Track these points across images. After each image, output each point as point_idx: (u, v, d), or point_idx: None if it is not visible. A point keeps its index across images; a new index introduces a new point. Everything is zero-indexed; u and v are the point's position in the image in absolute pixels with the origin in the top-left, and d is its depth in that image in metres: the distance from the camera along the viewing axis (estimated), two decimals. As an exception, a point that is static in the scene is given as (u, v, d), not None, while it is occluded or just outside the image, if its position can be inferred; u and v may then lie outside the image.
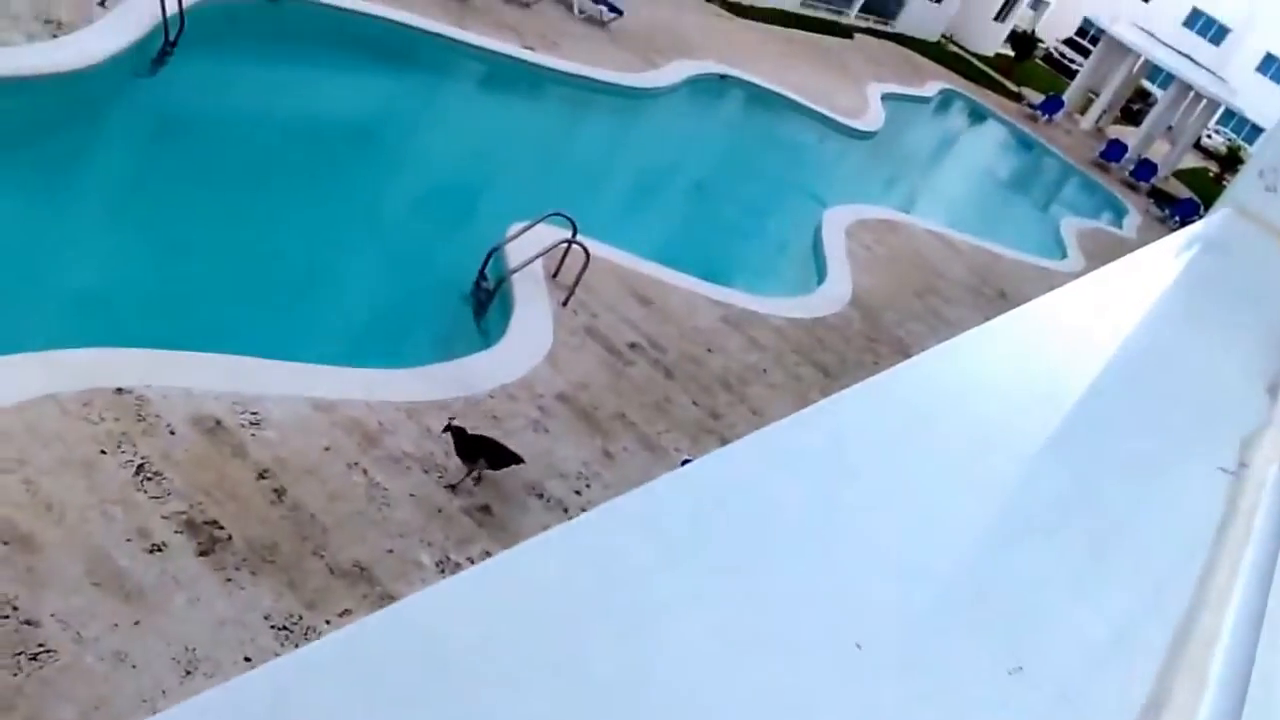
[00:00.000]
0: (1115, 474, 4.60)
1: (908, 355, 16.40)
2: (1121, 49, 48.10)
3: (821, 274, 18.18)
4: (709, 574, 2.84)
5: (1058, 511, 4.00)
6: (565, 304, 12.38)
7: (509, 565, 2.66)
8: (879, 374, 4.39)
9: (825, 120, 28.05)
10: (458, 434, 8.93)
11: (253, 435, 8.35)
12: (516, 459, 9.18)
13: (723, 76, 26.33)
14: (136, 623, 6.51)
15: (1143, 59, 48.81)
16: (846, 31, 40.44)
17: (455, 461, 8.99)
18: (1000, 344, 5.21)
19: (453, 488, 8.87)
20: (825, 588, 3.02)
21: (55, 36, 12.42)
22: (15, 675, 5.91)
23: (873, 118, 30.54)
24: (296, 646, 6.80)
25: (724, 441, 11.57)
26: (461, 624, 2.41)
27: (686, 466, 3.43)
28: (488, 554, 8.41)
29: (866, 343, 16.21)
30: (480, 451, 8.98)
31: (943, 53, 47.89)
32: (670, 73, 24.24)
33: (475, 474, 9.04)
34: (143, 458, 7.65)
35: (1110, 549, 3.93)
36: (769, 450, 3.49)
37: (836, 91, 30.60)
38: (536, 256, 12.33)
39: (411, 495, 8.60)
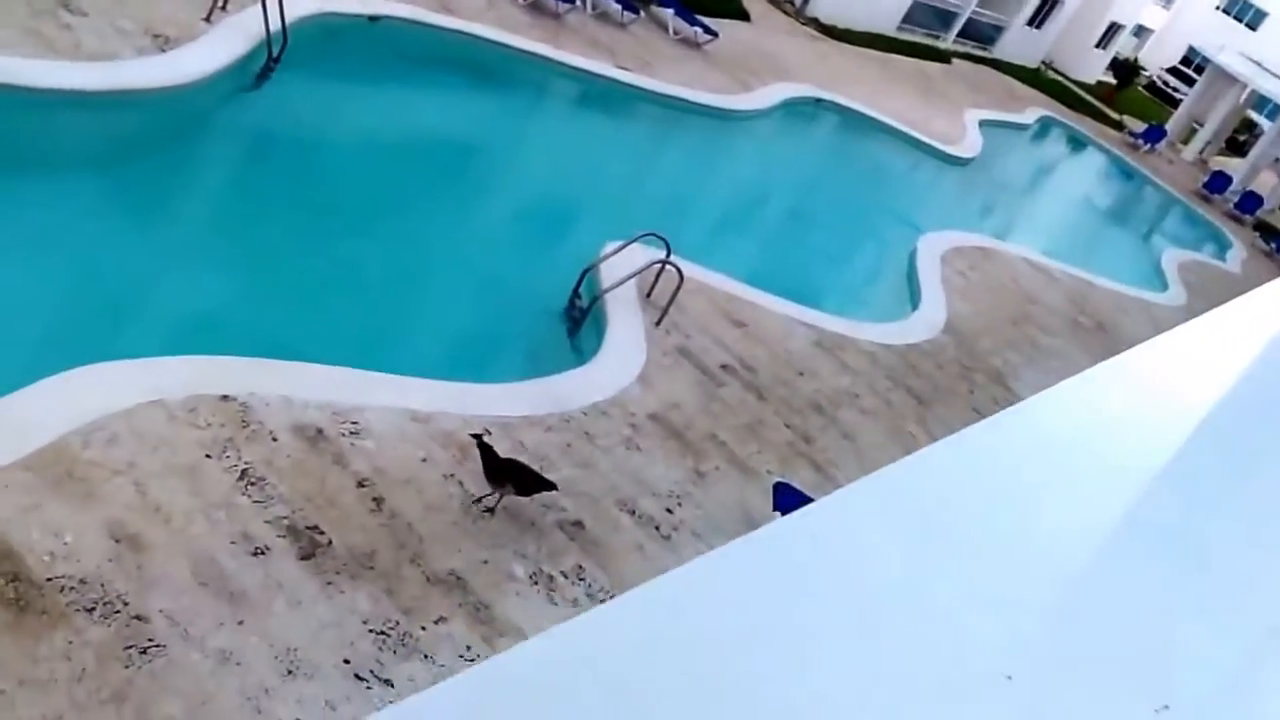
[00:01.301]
0: (1240, 509, 4.56)
1: (1003, 384, 16.41)
2: (1227, 78, 47.35)
3: (915, 300, 18.11)
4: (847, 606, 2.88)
5: (1184, 551, 3.98)
6: (658, 324, 12.48)
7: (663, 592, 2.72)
8: (994, 416, 4.39)
9: (921, 146, 27.93)
10: (486, 453, 8.62)
11: (352, 444, 8.54)
12: (548, 485, 8.91)
13: (818, 100, 26.33)
14: (240, 623, 6.69)
15: (1250, 89, 47.96)
16: (944, 56, 40.22)
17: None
18: (1128, 379, 5.17)
19: (477, 501, 8.65)
20: (966, 620, 3.03)
21: (163, 51, 12.77)
22: (126, 668, 6.11)
23: (970, 144, 30.35)
24: (394, 653, 6.97)
25: (815, 465, 11.63)
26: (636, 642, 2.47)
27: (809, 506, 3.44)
28: (580, 568, 8.53)
29: (961, 370, 16.14)
30: (508, 475, 8.67)
31: (1042, 79, 47.42)
32: (765, 95, 24.29)
33: (499, 498, 8.70)
34: (246, 463, 7.86)
35: (1240, 583, 3.90)
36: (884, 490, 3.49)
37: (933, 117, 30.47)
38: (630, 276, 12.45)
39: (505, 508, 8.72)
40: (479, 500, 8.63)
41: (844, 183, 24.80)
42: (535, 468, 9.30)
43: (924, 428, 13.79)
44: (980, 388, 15.90)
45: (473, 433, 8.71)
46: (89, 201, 10.88)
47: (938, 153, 28.28)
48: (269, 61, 14.14)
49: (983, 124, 33.11)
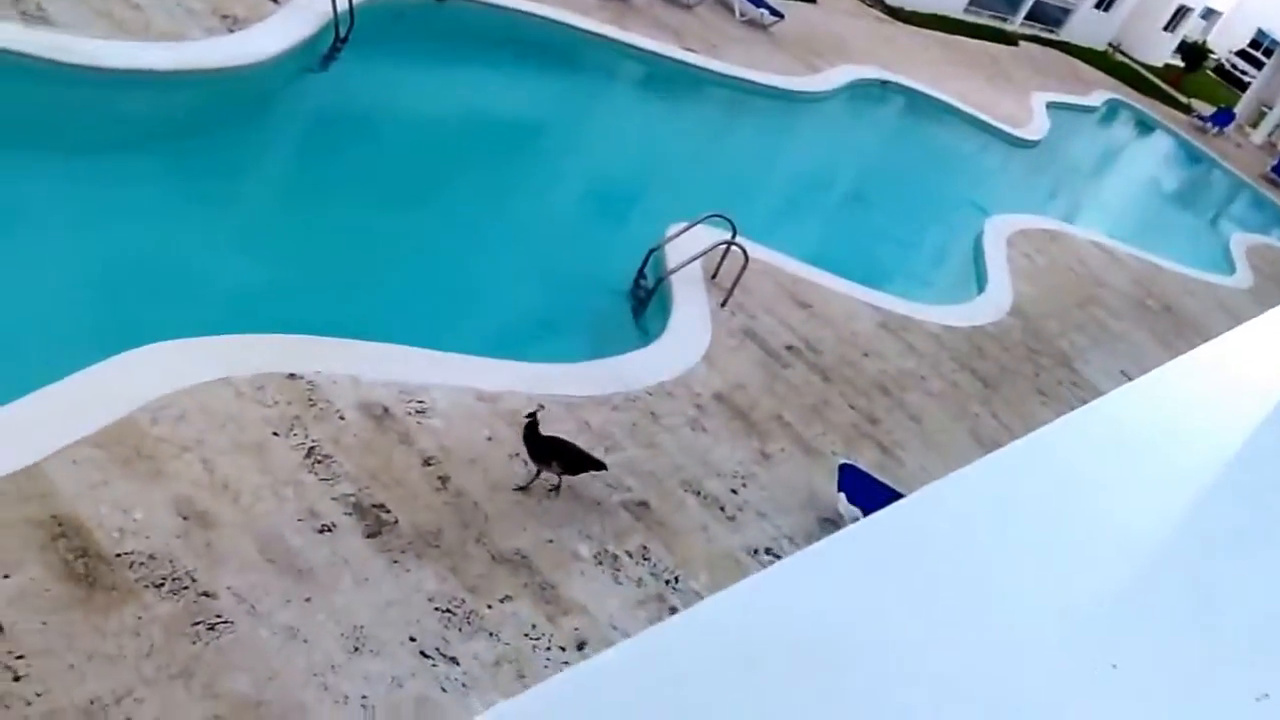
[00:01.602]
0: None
1: (1069, 366, 16.22)
2: (1297, 60, 46.61)
3: (981, 282, 17.97)
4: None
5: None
6: (724, 305, 12.41)
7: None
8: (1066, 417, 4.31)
9: (987, 128, 27.67)
10: (530, 431, 8.41)
11: (419, 423, 8.53)
12: (597, 464, 8.75)
13: (884, 82, 26.14)
14: (307, 599, 6.69)
15: (1321, 72, 47.22)
16: (1011, 39, 39.82)
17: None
18: (1210, 375, 5.04)
19: (523, 489, 8.46)
20: (1063, 605, 2.98)
21: (231, 31, 12.83)
22: (194, 644, 6.12)
23: (1036, 126, 30.03)
24: (460, 631, 6.95)
25: (880, 446, 11.52)
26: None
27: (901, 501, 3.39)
28: (645, 548, 8.48)
29: (1027, 352, 15.96)
30: (553, 454, 8.49)
31: (1109, 62, 46.85)
32: (831, 77, 24.14)
33: (554, 483, 8.58)
34: (313, 441, 7.87)
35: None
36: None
37: (999, 99, 30.16)
38: (696, 257, 12.38)
39: (569, 487, 8.69)
40: (524, 488, 8.45)
41: (910, 165, 24.60)
42: (601, 448, 9.27)
43: (989, 409, 13.65)
44: (1046, 370, 15.73)
45: (528, 412, 8.54)
46: (159, 180, 10.96)
47: (1004, 135, 28.01)
48: (336, 42, 14.19)
49: (1049, 106, 32.75)
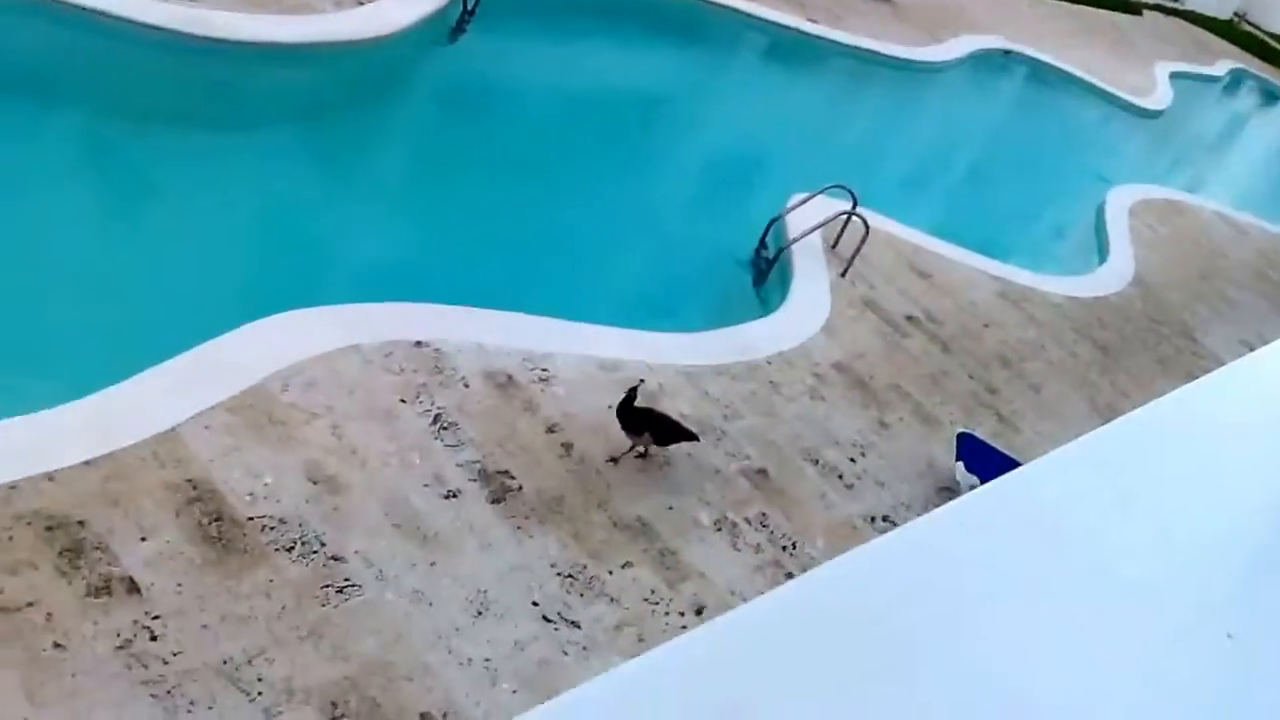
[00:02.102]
0: None
1: (1191, 337, 15.90)
2: None
3: (1103, 253, 17.70)
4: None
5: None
6: (844, 275, 12.34)
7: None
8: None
9: (1111, 98, 27.10)
10: (626, 404, 8.29)
11: (542, 391, 8.61)
12: (689, 435, 8.58)
13: (1006, 52, 25.71)
14: (432, 563, 6.80)
15: None
16: (1135, 8, 38.92)
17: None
18: None
19: (614, 460, 8.33)
20: (1180, 574, 2.94)
21: (361, 4, 12.99)
22: (323, 606, 6.25)
23: (1160, 96, 29.35)
24: (581, 596, 7.01)
25: (999, 416, 11.40)
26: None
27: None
28: (764, 515, 8.49)
29: (1149, 323, 15.68)
30: (646, 424, 8.35)
31: (1235, 32, 45.53)
32: (953, 47, 23.81)
33: (642, 449, 8.44)
34: (439, 408, 7.97)
35: None
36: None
37: (1123, 69, 29.52)
38: (816, 227, 12.31)
39: (689, 455, 8.72)
40: (615, 460, 8.31)
41: (1032, 135, 24.22)
42: (720, 416, 9.28)
43: (1109, 379, 13.45)
44: (1167, 340, 15.45)
45: (630, 387, 8.39)
46: (292, 152, 11.18)
47: (1127, 105, 27.43)
48: (464, 15, 14.35)
49: (1173, 76, 31.96)
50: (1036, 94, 26.43)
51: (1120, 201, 19.86)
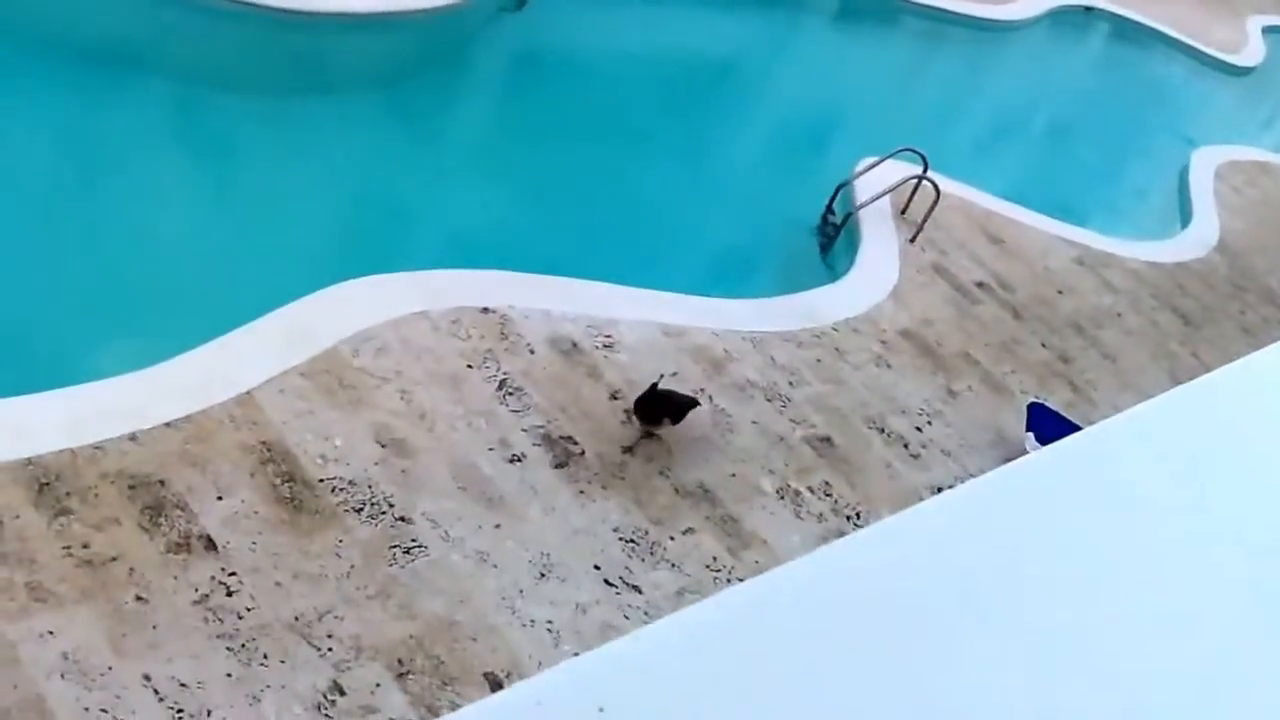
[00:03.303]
0: None
1: (1277, 304, 15.68)
2: None
3: (1186, 217, 17.42)
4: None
5: None
6: (913, 240, 12.32)
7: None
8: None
9: (1198, 55, 26.53)
10: (649, 394, 7.90)
11: (606, 357, 8.76)
12: (694, 402, 8.24)
13: (1088, 8, 25.28)
14: (497, 526, 6.98)
15: None
16: (1227, -40, 38.12)
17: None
18: None
19: (629, 450, 8.00)
20: (1252, 539, 2.93)
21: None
22: (391, 566, 6.45)
23: (1252, 52, 28.69)
24: (643, 561, 7.17)
25: (1073, 385, 11.38)
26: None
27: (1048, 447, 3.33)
28: (827, 484, 8.58)
29: (1233, 290, 15.50)
30: (664, 409, 7.96)
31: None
32: (1031, 4, 23.43)
33: (655, 434, 8.07)
34: (505, 374, 8.15)
35: None
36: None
37: (1213, 24, 28.93)
38: (885, 192, 12.29)
39: (754, 422, 8.83)
40: (630, 449, 8.02)
41: (1114, 95, 23.84)
42: (786, 383, 9.37)
43: (1190, 349, 13.34)
44: (1252, 308, 15.26)
45: (653, 382, 8.04)
46: (364, 121, 11.37)
47: (1216, 62, 26.85)
48: (532, -18, 14.43)
49: (1266, 31, 31.26)
50: (1118, 51, 25.98)
51: (1205, 163, 19.50)
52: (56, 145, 9.66)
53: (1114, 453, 3.13)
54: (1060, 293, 13.10)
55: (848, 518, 8.36)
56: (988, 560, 2.58)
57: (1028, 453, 9.60)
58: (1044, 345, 11.88)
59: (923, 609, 2.36)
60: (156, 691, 5.39)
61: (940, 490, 9.05)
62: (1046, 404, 10.32)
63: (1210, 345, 13.62)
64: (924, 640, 2.30)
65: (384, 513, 6.75)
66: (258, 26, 11.14)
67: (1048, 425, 9.83)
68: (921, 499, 8.72)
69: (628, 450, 8.02)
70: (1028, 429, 9.84)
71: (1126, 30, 25.75)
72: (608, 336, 8.97)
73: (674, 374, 8.50)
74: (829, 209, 12.47)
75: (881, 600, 2.33)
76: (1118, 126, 21.86)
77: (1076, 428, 9.85)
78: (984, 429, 10.13)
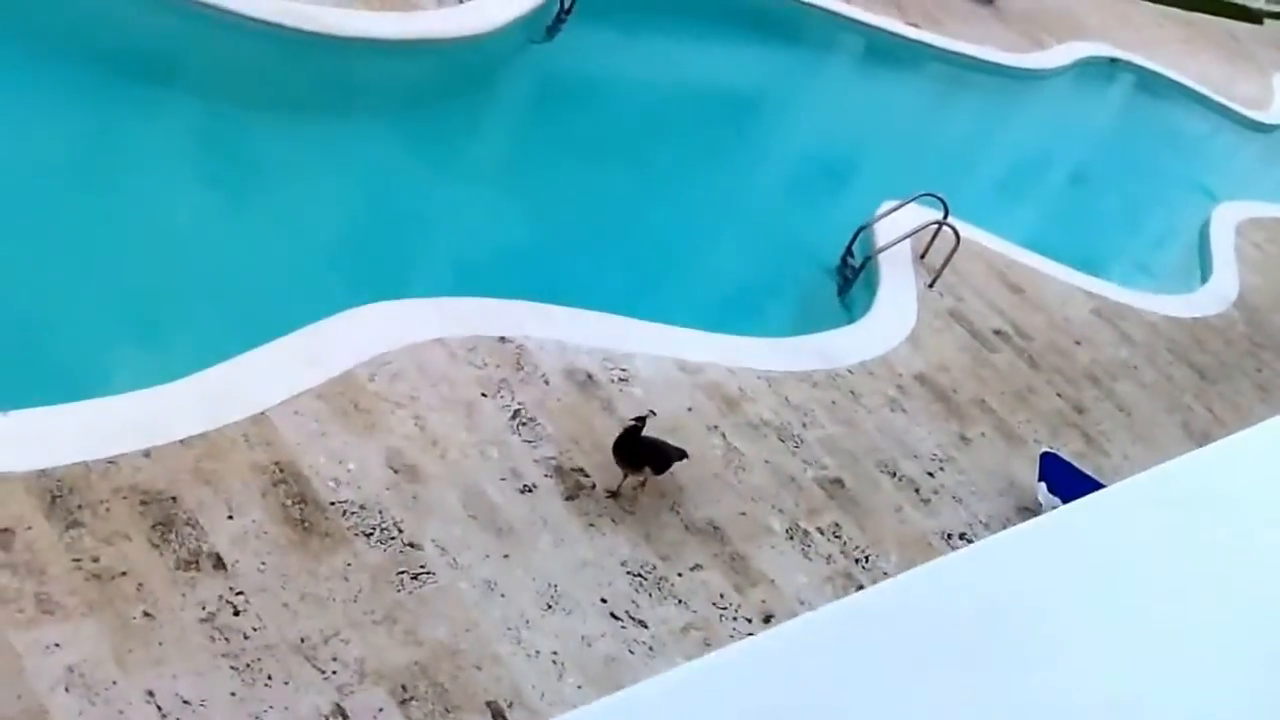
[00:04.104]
0: None
1: (1294, 364, 15.64)
2: None
3: (1206, 272, 17.43)
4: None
5: None
6: (931, 285, 12.34)
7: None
8: None
9: (1222, 110, 26.57)
10: (629, 435, 7.75)
11: (621, 391, 8.77)
12: (681, 454, 8.12)
13: (1113, 60, 25.35)
14: (506, 555, 6.99)
15: None
16: (1255, 17, 38.13)
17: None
18: None
19: (614, 494, 7.87)
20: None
21: (461, 1, 13.23)
22: (398, 591, 6.46)
23: (1277, 109, 28.76)
24: (650, 596, 7.17)
25: (1086, 436, 11.35)
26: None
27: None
28: (837, 525, 8.57)
29: (1250, 346, 15.46)
30: (646, 458, 7.83)
31: (1363, 43, 44.52)
32: (1058, 55, 23.54)
33: (642, 480, 7.95)
34: (519, 403, 8.16)
35: None
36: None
37: (1237, 80, 28.97)
38: (905, 236, 12.31)
39: (766, 462, 8.83)
40: (614, 494, 7.87)
41: (1137, 147, 23.84)
42: (800, 424, 9.37)
43: (1205, 404, 13.31)
44: (1269, 365, 15.23)
45: (635, 416, 7.91)
46: (387, 147, 11.44)
47: (1240, 118, 26.89)
48: (560, 13, 14.53)
49: (1292, 88, 31.31)
50: (1143, 104, 26.02)
51: (1227, 218, 19.51)
52: (84, 160, 9.73)
53: (1132, 513, 3.12)
54: (1078, 343, 13.09)
55: (856, 560, 8.35)
56: (1002, 618, 2.56)
57: (1039, 502, 9.60)
58: (1059, 395, 11.87)
59: (950, 656, 2.36)
60: (159, 708, 5.40)
61: (950, 537, 9.05)
62: (1059, 454, 10.30)
63: (1225, 402, 13.60)
64: (951, 687, 2.30)
65: (393, 538, 6.76)
66: (285, 48, 11.23)
67: (1060, 475, 9.81)
68: (931, 544, 8.77)
69: (612, 495, 7.81)
70: (1040, 478, 9.81)
71: (1152, 83, 25.81)
72: (623, 370, 8.98)
73: (652, 414, 8.15)
74: (849, 251, 12.50)
75: (909, 646, 2.34)
76: (1141, 179, 21.87)
77: (1088, 478, 9.84)
78: (996, 476, 10.11)
